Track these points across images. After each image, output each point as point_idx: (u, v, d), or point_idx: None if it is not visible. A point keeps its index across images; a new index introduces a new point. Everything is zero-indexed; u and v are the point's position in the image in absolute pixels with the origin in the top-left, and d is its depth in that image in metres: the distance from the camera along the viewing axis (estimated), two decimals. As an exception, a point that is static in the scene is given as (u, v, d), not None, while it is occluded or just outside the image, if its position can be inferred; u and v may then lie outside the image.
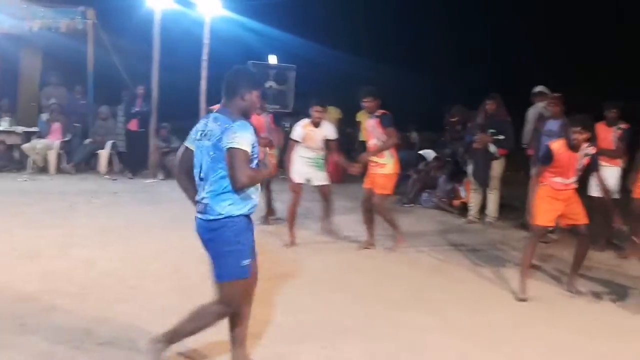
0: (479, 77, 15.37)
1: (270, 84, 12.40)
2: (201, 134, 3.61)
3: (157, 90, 11.30)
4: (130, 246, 6.59)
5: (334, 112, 11.69)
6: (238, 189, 3.45)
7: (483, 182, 8.72)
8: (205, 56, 11.39)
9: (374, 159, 6.83)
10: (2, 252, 6.01)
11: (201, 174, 3.57)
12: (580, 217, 5.75)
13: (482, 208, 8.89)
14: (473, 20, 17.45)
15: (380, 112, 6.75)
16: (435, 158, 10.87)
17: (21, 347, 3.93)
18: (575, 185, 5.75)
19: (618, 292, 5.88)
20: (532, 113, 8.68)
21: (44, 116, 11.94)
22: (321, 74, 13.99)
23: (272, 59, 13.64)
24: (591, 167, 5.75)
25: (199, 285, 5.33)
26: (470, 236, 8.09)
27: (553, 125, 7.86)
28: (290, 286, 5.53)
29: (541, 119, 8.24)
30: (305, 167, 7.08)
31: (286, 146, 7.46)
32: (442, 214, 9.53)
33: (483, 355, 4.32)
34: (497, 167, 8.61)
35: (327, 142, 7.06)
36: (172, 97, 11.75)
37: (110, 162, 11.89)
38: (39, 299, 4.80)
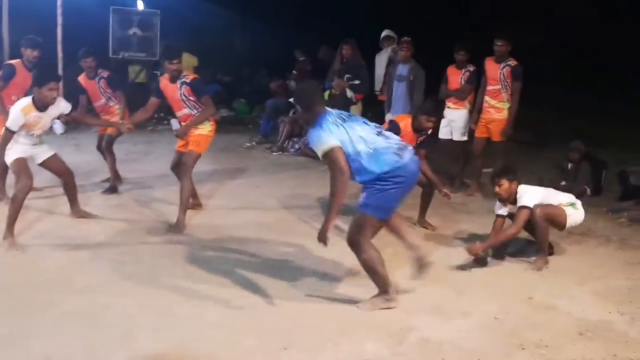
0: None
1: (134, 30, 11.92)
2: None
3: (7, 41, 10.56)
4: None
5: (190, 59, 11.40)
6: None
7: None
8: (59, 2, 10.74)
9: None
10: None
11: None
12: None
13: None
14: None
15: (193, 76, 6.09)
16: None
17: None
18: None
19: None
20: (381, 58, 8.83)
21: None
22: (182, 20, 13.48)
23: (140, 5, 13.08)
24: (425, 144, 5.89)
25: (31, 250, 5.19)
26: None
27: (403, 69, 8.04)
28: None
29: (391, 63, 8.40)
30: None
31: None
32: (307, 160, 9.62)
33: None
34: (355, 112, 8.73)
35: None
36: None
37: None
38: None
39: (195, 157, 5.98)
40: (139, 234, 5.68)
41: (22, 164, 5.38)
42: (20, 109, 5.29)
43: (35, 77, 5.48)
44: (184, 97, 5.91)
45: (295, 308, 4.20)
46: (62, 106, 5.58)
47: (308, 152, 9.84)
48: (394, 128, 5.58)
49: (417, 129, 5.76)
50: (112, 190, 6.99)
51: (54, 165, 5.78)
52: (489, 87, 7.34)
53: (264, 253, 5.29)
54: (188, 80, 5.90)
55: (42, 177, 6.55)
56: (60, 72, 10.74)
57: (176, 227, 5.78)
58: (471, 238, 5.78)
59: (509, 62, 7.20)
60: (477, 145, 7.52)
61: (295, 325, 3.94)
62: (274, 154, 10.09)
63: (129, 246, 5.34)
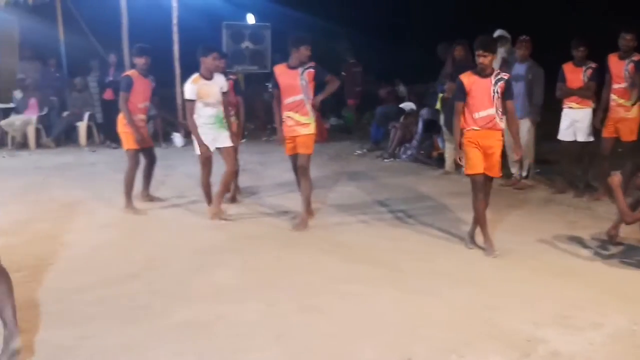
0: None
1: (246, 44, 12.22)
2: None
3: (128, 59, 11.15)
4: (92, 217, 6.61)
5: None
6: None
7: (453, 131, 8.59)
8: (175, 20, 11.22)
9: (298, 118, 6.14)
10: (-39, 229, 6.02)
11: None
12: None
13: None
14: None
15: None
16: (411, 110, 10.72)
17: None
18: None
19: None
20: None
21: (17, 93, 11.85)
22: (291, 33, 13.74)
23: (250, 19, 13.44)
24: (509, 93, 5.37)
25: (154, 253, 5.41)
26: (446, 186, 8.03)
27: (520, 69, 7.73)
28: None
29: (504, 64, 8.08)
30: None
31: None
32: (419, 166, 9.45)
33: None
34: (467, 115, 8.50)
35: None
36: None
37: (90, 134, 11.85)
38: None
39: (308, 157, 6.16)
40: (258, 242, 5.73)
41: (208, 156, 6.34)
42: (190, 81, 6.23)
43: (201, 49, 6.30)
44: (304, 82, 5.99)
45: (415, 318, 4.04)
46: (224, 80, 6.38)
47: (420, 158, 9.69)
48: (460, 86, 5.35)
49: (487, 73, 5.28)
50: (232, 200, 7.13)
51: (226, 154, 6.46)
52: (615, 85, 6.92)
53: (380, 261, 5.17)
54: (313, 65, 6.02)
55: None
56: (177, 88, 11.26)
57: (300, 225, 6.04)
58: (599, 246, 5.42)
59: (633, 58, 6.75)
60: (606, 145, 7.05)
61: (416, 336, 3.78)
62: (386, 160, 10.01)
63: (247, 254, 5.39)
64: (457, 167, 8.19)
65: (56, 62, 12.43)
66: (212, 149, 6.40)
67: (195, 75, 6.28)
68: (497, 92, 5.25)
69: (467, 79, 5.32)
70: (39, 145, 11.45)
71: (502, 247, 5.43)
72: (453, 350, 3.58)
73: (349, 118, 13.76)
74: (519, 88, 7.64)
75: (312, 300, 4.34)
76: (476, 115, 5.29)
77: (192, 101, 6.25)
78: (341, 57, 14.01)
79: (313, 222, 6.27)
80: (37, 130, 11.51)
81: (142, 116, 6.91)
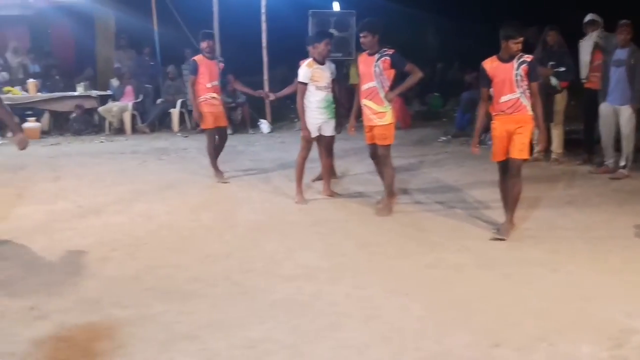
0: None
1: (331, 31, 12.24)
2: None
3: (219, 46, 11.45)
4: (186, 199, 6.91)
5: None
6: None
7: (546, 117, 8.37)
8: (263, 9, 11.44)
9: (372, 106, 6.11)
10: (68, 209, 6.45)
11: None
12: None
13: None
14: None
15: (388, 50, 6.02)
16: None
17: (70, 294, 4.24)
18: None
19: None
20: (585, 44, 8.21)
21: (114, 81, 12.43)
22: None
23: (336, 6, 13.49)
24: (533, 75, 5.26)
25: (244, 234, 5.62)
26: (532, 174, 7.84)
27: (622, 54, 7.42)
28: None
29: (597, 49, 7.79)
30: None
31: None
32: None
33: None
34: (560, 101, 8.28)
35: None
36: (235, 51, 11.89)
37: (182, 120, 12.31)
38: (96, 251, 5.14)
39: (387, 148, 6.17)
40: (343, 226, 5.84)
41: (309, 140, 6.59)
42: (305, 64, 6.48)
43: (314, 35, 6.99)
44: (377, 69, 5.99)
45: (504, 305, 4.02)
46: (334, 67, 6.66)
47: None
48: (482, 72, 5.33)
49: (510, 57, 5.23)
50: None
51: (328, 143, 6.75)
52: None
53: (467, 247, 5.16)
54: (390, 52, 5.98)
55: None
56: (265, 75, 11.51)
57: (385, 210, 6.14)
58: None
59: None
60: None
61: (507, 322, 3.77)
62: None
63: (333, 238, 5.50)
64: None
65: (150, 51, 12.93)
66: (313, 135, 6.57)
67: (309, 60, 6.50)
68: (520, 75, 5.19)
69: (489, 64, 5.33)
70: (135, 130, 12.01)
71: (595, 236, 5.32)
72: (544, 339, 3.55)
73: (435, 104, 13.63)
74: (619, 74, 7.39)
75: (398, 284, 4.39)
76: (501, 100, 5.28)
77: (305, 84, 6.45)
78: (430, 45, 13.89)
79: (396, 207, 6.30)
80: (133, 117, 12.06)
81: (213, 94, 7.59)
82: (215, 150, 7.80)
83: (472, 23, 14.80)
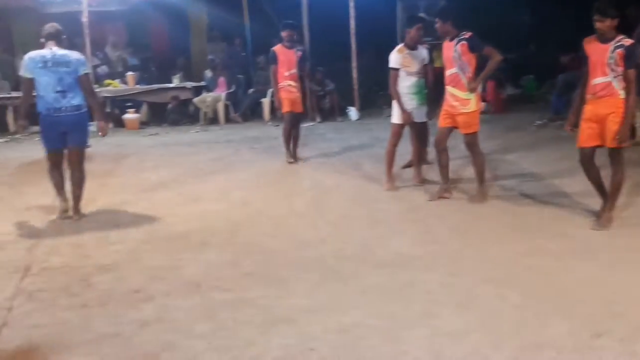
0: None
1: (421, 15, 12.12)
2: None
3: (307, 35, 11.58)
4: (279, 186, 7.08)
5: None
6: None
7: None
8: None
9: (456, 93, 5.95)
10: (169, 197, 6.72)
11: None
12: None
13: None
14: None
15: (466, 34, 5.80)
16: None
17: (171, 279, 4.44)
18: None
19: None
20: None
21: (208, 72, 12.81)
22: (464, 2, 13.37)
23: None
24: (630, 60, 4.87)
25: (336, 220, 5.68)
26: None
27: None
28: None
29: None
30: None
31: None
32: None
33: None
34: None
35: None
36: (323, 40, 11.98)
37: (273, 109, 12.52)
38: (196, 236, 5.35)
39: (474, 136, 6.02)
40: (434, 213, 5.79)
41: (406, 124, 6.56)
42: (396, 50, 6.47)
43: (406, 21, 6.95)
44: (456, 55, 5.85)
45: (608, 294, 3.88)
46: (426, 52, 6.62)
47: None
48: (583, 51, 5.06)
49: (606, 38, 4.89)
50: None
51: (419, 129, 6.72)
52: None
53: (567, 235, 5.01)
54: (467, 36, 5.82)
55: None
56: (354, 63, 11.53)
57: (478, 197, 6.05)
58: None
59: None
60: None
61: (609, 312, 3.63)
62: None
63: (425, 225, 5.47)
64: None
65: (241, 42, 13.23)
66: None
67: (401, 46, 6.52)
68: (614, 60, 4.86)
69: (588, 44, 5.04)
70: (228, 120, 12.34)
71: None
72: (651, 330, 3.41)
73: (530, 86, 13.20)
74: None
75: (495, 272, 4.32)
76: (593, 82, 4.99)
77: (396, 70, 6.44)
78: (522, 26, 13.42)
79: (490, 194, 6.19)
80: (226, 107, 12.39)
81: (291, 82, 8.02)
82: (290, 136, 8.24)
83: (568, 4, 14.20)
